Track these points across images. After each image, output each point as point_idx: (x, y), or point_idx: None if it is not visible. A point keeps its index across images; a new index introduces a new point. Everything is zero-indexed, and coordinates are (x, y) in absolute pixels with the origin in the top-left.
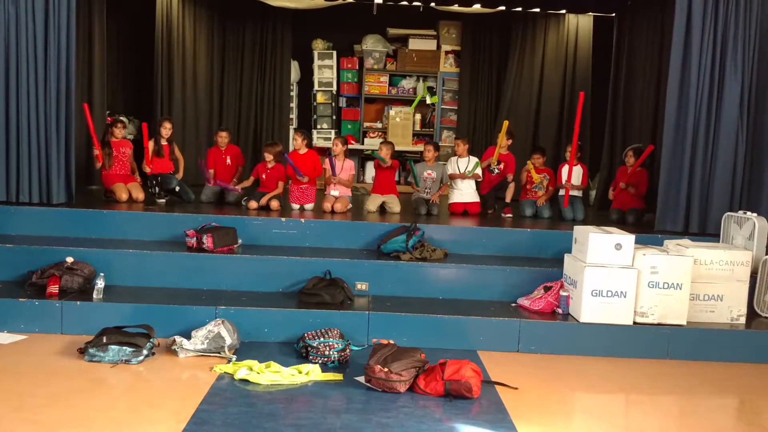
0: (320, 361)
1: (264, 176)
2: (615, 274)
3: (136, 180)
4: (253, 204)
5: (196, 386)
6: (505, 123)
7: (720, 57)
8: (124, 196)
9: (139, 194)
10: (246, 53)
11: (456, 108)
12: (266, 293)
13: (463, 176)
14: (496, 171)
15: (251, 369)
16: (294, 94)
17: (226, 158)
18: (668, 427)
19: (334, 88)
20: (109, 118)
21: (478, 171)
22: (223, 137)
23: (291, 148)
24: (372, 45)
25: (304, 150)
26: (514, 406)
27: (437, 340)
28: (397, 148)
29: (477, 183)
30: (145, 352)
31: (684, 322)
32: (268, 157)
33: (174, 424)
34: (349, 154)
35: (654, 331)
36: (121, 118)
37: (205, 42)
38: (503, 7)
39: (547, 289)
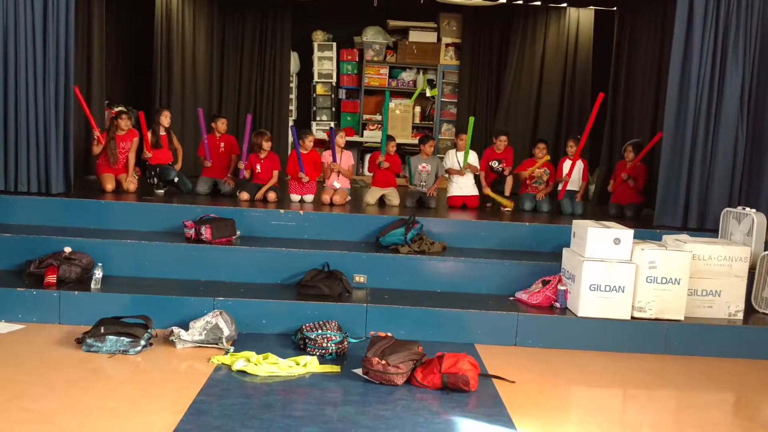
0: (318, 353)
1: (258, 167)
2: (613, 269)
3: (127, 171)
4: (245, 195)
5: (194, 377)
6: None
7: (721, 52)
8: (109, 187)
9: (130, 185)
10: (246, 44)
11: (456, 101)
12: (264, 285)
13: (461, 173)
14: (500, 168)
15: (249, 360)
16: (293, 85)
17: (221, 144)
18: (665, 422)
19: (334, 79)
20: (113, 111)
21: (472, 161)
22: (220, 123)
23: (289, 143)
24: (372, 37)
25: (308, 149)
26: (511, 399)
27: (435, 333)
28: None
29: (477, 176)
30: (142, 342)
31: (682, 318)
32: (266, 146)
33: (171, 414)
34: (348, 145)
35: (652, 326)
36: (120, 108)
37: (205, 32)
38: (504, 0)
39: (545, 283)
